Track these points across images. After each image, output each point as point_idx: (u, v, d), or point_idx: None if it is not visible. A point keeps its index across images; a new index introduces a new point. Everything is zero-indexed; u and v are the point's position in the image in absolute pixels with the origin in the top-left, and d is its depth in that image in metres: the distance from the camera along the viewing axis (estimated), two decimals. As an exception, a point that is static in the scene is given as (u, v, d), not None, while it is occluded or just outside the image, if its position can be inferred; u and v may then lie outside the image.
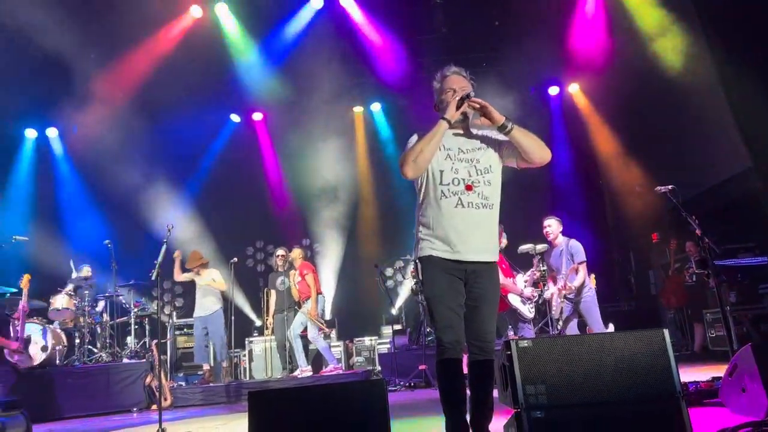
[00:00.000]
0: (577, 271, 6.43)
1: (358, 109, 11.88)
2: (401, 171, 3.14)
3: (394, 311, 10.53)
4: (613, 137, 10.90)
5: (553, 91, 11.53)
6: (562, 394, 2.90)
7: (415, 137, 3.24)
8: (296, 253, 8.65)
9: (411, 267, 8.95)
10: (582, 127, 11.24)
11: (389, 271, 11.71)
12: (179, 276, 8.66)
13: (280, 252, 8.80)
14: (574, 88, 11.41)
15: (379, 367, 8.81)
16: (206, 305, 8.48)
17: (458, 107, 3.18)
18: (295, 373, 8.23)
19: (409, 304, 10.41)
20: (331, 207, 11.42)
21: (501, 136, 3.24)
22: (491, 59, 10.41)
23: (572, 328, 6.50)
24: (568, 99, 11.49)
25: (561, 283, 6.46)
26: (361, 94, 11.38)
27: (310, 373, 8.18)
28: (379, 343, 9.52)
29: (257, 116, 11.86)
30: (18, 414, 5.04)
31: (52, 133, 11.30)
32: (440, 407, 3.13)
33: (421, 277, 3.20)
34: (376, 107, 11.90)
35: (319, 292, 8.41)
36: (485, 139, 3.30)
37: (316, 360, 8.85)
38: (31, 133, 11.22)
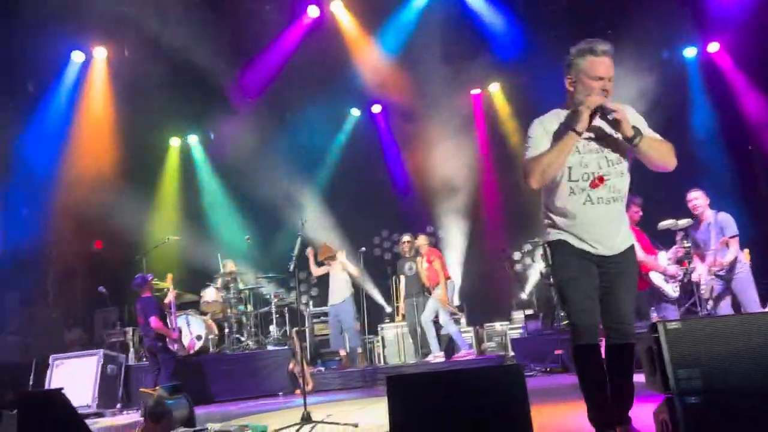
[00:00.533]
0: (727, 245, 5.90)
1: (476, 91, 11.70)
2: (526, 180, 3.02)
3: (524, 296, 10.31)
4: (764, 98, 9.82)
5: (690, 52, 10.60)
6: (717, 378, 2.68)
7: (537, 128, 3.06)
8: (422, 240, 8.74)
9: (540, 251, 8.71)
10: (725, 90, 10.24)
11: (517, 255, 11.47)
12: (315, 271, 9.03)
13: (406, 238, 8.94)
14: (714, 48, 10.41)
15: (512, 353, 8.68)
16: (338, 294, 8.80)
17: (591, 119, 2.93)
18: (428, 359, 8.33)
19: (540, 288, 10.14)
20: (454, 192, 11.38)
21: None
22: (617, 25, 9.77)
23: (725, 308, 5.99)
24: (707, 60, 10.51)
25: (710, 258, 5.96)
26: (479, 75, 11.16)
27: (443, 359, 8.24)
28: (511, 328, 9.37)
29: (376, 108, 12.08)
30: (182, 397, 5.54)
31: (192, 140, 12.27)
32: (580, 393, 3.02)
33: (551, 261, 3.10)
34: (494, 87, 11.64)
35: (447, 278, 8.44)
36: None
37: (448, 346, 8.89)
38: (175, 142, 12.27)
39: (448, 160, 11.15)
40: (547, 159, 2.95)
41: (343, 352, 8.83)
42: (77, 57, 10.49)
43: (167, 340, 7.79)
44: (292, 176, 11.04)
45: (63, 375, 7.92)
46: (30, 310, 10.73)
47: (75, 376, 7.77)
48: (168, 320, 8.12)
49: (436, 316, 8.36)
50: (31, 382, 8.05)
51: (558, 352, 7.60)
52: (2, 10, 9.19)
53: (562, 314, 8.26)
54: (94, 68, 10.65)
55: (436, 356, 8.26)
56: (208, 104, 10.40)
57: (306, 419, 4.75)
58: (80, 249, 12.20)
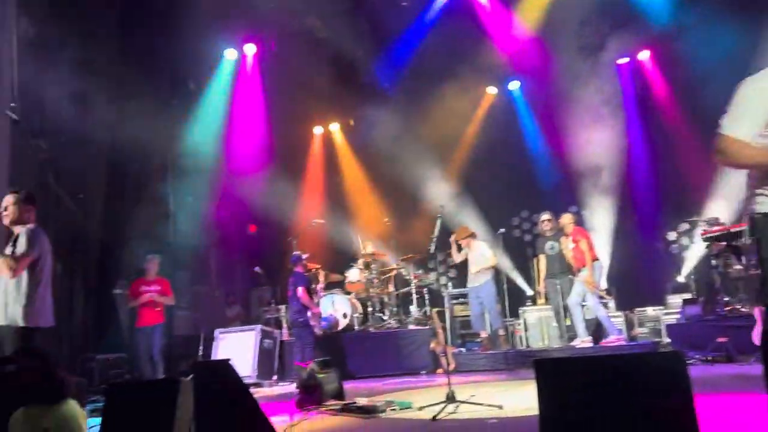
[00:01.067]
0: None
1: (623, 61, 10.92)
2: (717, 156, 2.58)
3: (681, 279, 9.55)
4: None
5: None
6: None
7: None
8: (567, 219, 8.38)
9: (700, 229, 7.99)
10: None
11: (672, 235, 10.63)
12: (457, 257, 9.00)
13: (546, 217, 8.64)
14: None
15: (666, 339, 8.10)
16: (477, 276, 8.73)
17: None
18: (574, 343, 8.03)
19: (700, 271, 9.32)
20: (598, 170, 10.77)
21: None
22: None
23: None
24: None
25: None
26: (627, 43, 10.40)
27: (591, 344, 7.90)
28: (665, 314, 8.74)
29: (514, 85, 11.75)
30: (332, 372, 5.86)
31: (334, 128, 12.77)
32: (747, 383, 2.74)
33: (757, 236, 2.71)
34: (644, 56, 10.78)
35: (594, 259, 8.04)
36: None
37: (595, 330, 8.49)
38: (318, 130, 12.86)
39: (592, 135, 10.57)
40: (757, 156, 2.49)
41: (484, 334, 8.79)
42: (230, 54, 11.32)
43: (309, 315, 8.23)
44: (430, 159, 11.10)
45: (226, 347, 8.68)
46: (196, 288, 11.87)
47: (236, 349, 8.48)
48: (315, 297, 8.60)
49: (584, 299, 8.01)
50: (200, 353, 8.93)
51: (721, 339, 6.96)
52: (165, 18, 10.14)
53: (726, 299, 7.56)
54: (245, 64, 11.44)
55: (583, 341, 7.93)
56: (348, 93, 10.76)
57: (450, 398, 4.80)
58: (238, 233, 13.27)
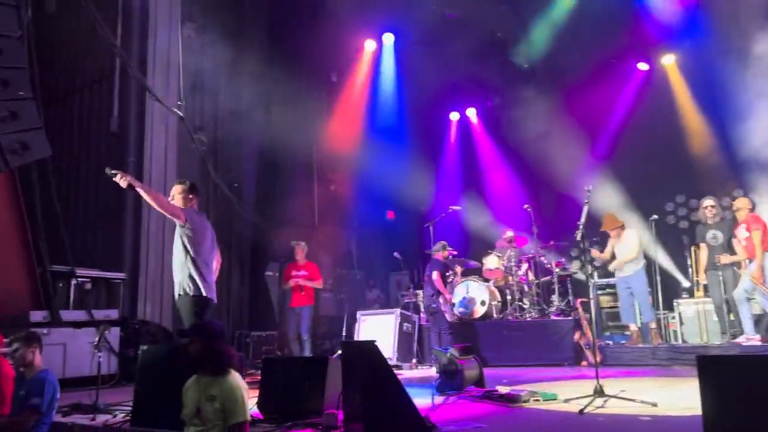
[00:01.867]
0: None
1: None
2: None
3: None
4: None
5: None
6: None
7: None
8: (743, 203, 7.57)
9: None
10: None
11: None
12: (604, 254, 8.48)
13: (709, 203, 7.89)
14: None
15: None
16: (627, 265, 8.23)
17: None
18: (739, 340, 7.31)
19: None
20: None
21: None
22: None
23: None
24: None
25: None
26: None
27: (759, 342, 7.14)
28: None
29: (667, 60, 10.85)
30: (472, 358, 5.86)
31: (471, 113, 12.66)
32: None
33: None
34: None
35: (767, 250, 7.22)
36: None
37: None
38: (454, 116, 12.82)
39: (764, 108, 9.44)
40: None
41: (633, 327, 8.28)
42: (370, 46, 11.62)
43: (441, 301, 8.25)
44: (574, 140, 10.60)
45: (367, 329, 8.99)
46: (340, 271, 12.41)
47: (377, 331, 8.74)
48: (447, 286, 8.63)
49: (751, 294, 7.25)
50: (343, 333, 9.34)
51: None
52: (310, 14, 10.63)
53: None
54: (383, 54, 11.69)
55: (750, 338, 7.19)
56: (486, 76, 10.58)
57: (599, 392, 4.60)
58: (377, 219, 13.65)
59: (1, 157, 4.66)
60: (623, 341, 8.58)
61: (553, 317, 8.68)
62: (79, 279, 7.37)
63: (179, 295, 4.90)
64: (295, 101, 10.74)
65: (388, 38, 11.59)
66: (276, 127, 10.28)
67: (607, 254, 8.44)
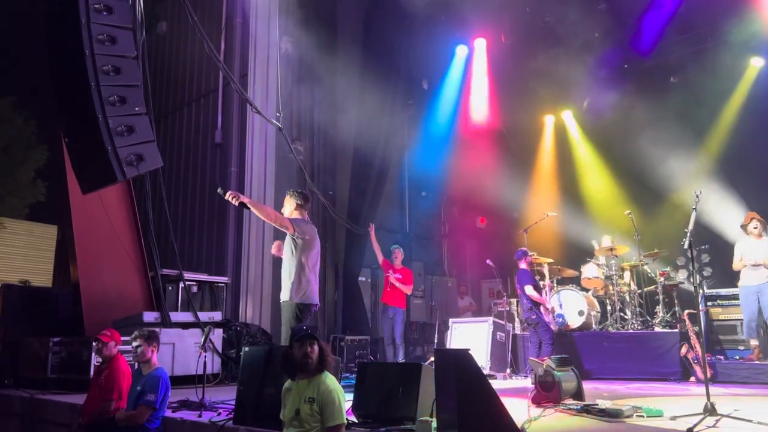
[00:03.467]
0: None
1: None
2: None
3: None
4: None
5: None
6: None
7: None
8: None
9: None
10: None
11: None
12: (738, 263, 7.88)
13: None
14: None
15: None
16: (756, 273, 7.54)
17: None
18: None
19: None
20: None
21: None
22: None
23: None
24: None
25: None
26: None
27: None
28: None
29: (786, 53, 10.00)
30: (570, 370, 5.65)
31: (566, 115, 12.27)
32: None
33: None
34: None
35: None
36: None
37: None
38: (549, 119, 12.47)
39: None
40: None
41: (754, 342, 7.64)
42: (461, 51, 11.57)
43: (542, 310, 8.02)
44: (680, 141, 9.99)
45: (460, 336, 8.91)
46: (431, 278, 12.41)
47: (469, 339, 8.65)
48: (543, 292, 8.38)
49: None
50: (435, 340, 9.31)
51: None
52: (401, 22, 10.74)
53: None
54: (475, 58, 11.60)
55: None
56: (583, 76, 10.22)
57: (710, 410, 4.29)
58: (468, 225, 13.54)
59: (119, 167, 5.02)
60: (738, 356, 7.96)
61: (657, 329, 8.22)
62: (187, 282, 7.80)
63: (284, 300, 5.12)
64: (388, 110, 10.88)
65: (480, 43, 11.49)
66: (369, 135, 10.45)
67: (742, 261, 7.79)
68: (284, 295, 5.14)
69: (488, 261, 9.59)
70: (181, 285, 7.69)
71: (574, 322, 8.80)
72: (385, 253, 9.25)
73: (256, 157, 9.28)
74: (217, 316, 7.65)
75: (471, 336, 8.76)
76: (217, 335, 7.26)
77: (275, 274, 8.18)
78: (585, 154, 11.96)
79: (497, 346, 8.68)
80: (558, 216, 10.18)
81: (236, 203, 4.92)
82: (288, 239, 5.21)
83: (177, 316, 7.19)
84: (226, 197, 4.94)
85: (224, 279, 8.54)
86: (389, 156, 11.20)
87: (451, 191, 13.09)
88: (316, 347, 3.56)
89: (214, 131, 9.85)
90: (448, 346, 8.84)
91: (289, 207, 5.36)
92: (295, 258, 5.13)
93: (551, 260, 9.25)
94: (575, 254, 10.23)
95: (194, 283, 8.04)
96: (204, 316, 7.37)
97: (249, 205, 4.95)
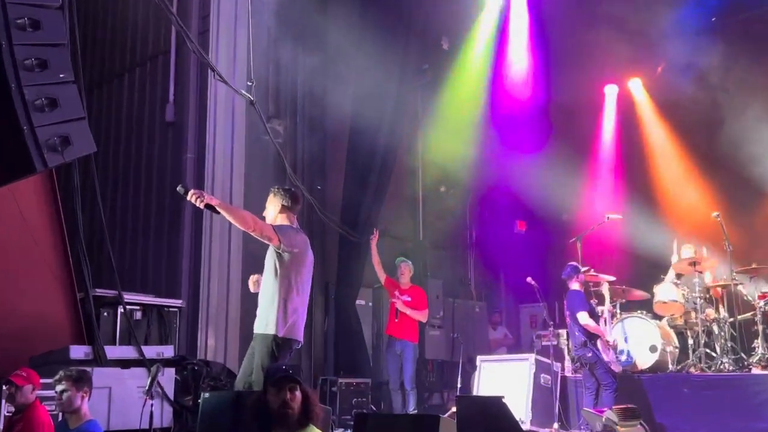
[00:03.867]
0: None
1: None
2: None
3: None
4: None
5: None
6: None
7: None
8: None
9: None
10: None
11: None
12: None
13: None
14: None
15: None
16: None
17: None
18: None
19: None
20: None
21: None
22: None
23: None
24: None
25: None
26: None
27: None
28: None
29: None
30: (638, 424, 5.64)
31: (634, 86, 12.24)
32: None
33: None
34: None
35: None
36: None
37: None
38: (611, 90, 12.47)
39: None
40: None
41: None
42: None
43: (600, 346, 7.98)
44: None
45: (491, 379, 8.89)
46: (452, 302, 12.39)
47: (504, 383, 8.61)
48: (600, 322, 8.36)
49: None
50: (458, 384, 9.29)
51: None
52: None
53: None
54: (513, 9, 11.60)
55: None
56: (657, 32, 10.20)
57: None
58: (503, 232, 13.51)
59: (39, 154, 4.97)
60: None
61: (755, 371, 8.18)
62: (128, 307, 7.79)
63: (259, 332, 5.12)
64: (395, 78, 10.86)
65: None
66: (370, 111, 10.44)
67: None
68: (259, 326, 5.15)
69: (529, 279, 9.54)
70: (120, 310, 7.68)
71: (644, 360, 8.78)
72: (389, 268, 9.24)
73: (220, 140, 9.27)
74: (168, 351, 7.63)
75: (506, 379, 8.74)
76: (168, 377, 7.24)
77: (245, 294, 8.16)
78: (659, 136, 11.93)
79: (541, 392, 8.65)
80: (623, 220, 10.14)
81: (201, 205, 4.90)
82: (270, 253, 5.24)
83: (114, 352, 7.17)
84: (188, 197, 4.91)
85: (178, 302, 8.54)
86: (397, 139, 11.19)
87: (480, 186, 13.07)
88: (298, 393, 3.56)
89: (164, 106, 9.85)
90: (475, 393, 8.82)
91: (273, 210, 5.38)
92: (279, 278, 5.15)
93: (613, 278, 9.23)
94: (645, 270, 10.21)
95: (138, 307, 8.03)
96: (151, 351, 7.35)
97: (218, 209, 4.93)
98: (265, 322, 5.12)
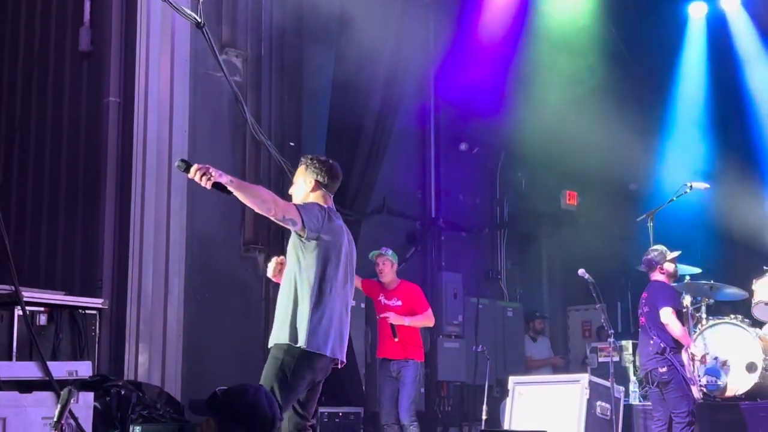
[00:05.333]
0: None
1: None
2: None
3: None
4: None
5: None
6: None
7: None
8: None
9: None
10: None
11: None
12: None
13: None
14: None
15: None
16: None
17: None
18: None
19: None
20: None
21: None
22: None
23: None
24: None
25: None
26: None
27: None
28: None
29: None
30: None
31: (729, 3, 12.19)
32: None
33: None
34: None
35: None
36: None
37: None
38: (695, 10, 12.42)
39: None
40: None
41: None
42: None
43: (681, 360, 7.99)
44: None
45: (529, 407, 8.93)
46: (476, 302, 12.38)
47: (548, 412, 8.66)
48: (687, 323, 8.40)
49: None
50: (483, 416, 9.31)
51: None
52: None
53: None
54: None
55: None
56: None
57: None
58: (546, 206, 13.49)
59: None
60: None
61: None
62: (28, 309, 7.76)
63: (279, 342, 5.16)
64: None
65: None
66: (362, 39, 10.37)
67: None
68: (280, 335, 5.16)
69: (582, 272, 9.55)
70: (18, 312, 7.67)
71: (739, 383, 8.83)
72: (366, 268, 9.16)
73: (155, 77, 9.21)
74: (85, 368, 7.63)
75: (550, 406, 8.80)
76: (85, 404, 7.25)
77: (191, 292, 8.15)
78: (763, 75, 11.88)
79: (597, 425, 8.70)
80: (711, 190, 10.15)
81: (208, 185, 4.87)
82: (293, 242, 5.26)
83: (10, 370, 7.18)
84: (189, 175, 4.89)
85: (97, 302, 8.51)
86: (400, 79, 11.12)
87: (515, 144, 13.01)
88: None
89: (76, 30, 9.76)
90: (506, 426, 8.85)
91: (304, 186, 5.45)
92: (305, 273, 5.18)
93: (696, 270, 9.24)
94: (742, 260, 10.24)
95: (42, 308, 8.01)
96: (60, 368, 7.35)
97: (230, 188, 4.90)
98: (287, 332, 5.13)
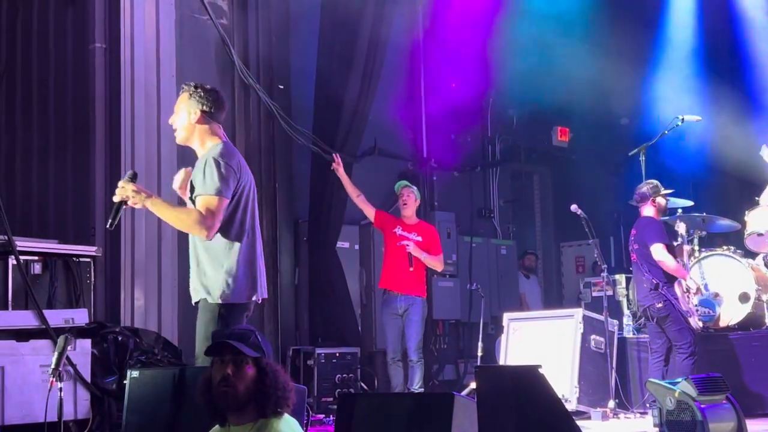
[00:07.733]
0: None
1: None
2: None
3: None
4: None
5: None
6: None
7: None
8: None
9: None
10: None
11: None
12: None
13: None
14: None
15: None
16: None
17: None
18: None
19: None
20: None
21: None
22: None
23: None
24: None
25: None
26: None
27: None
28: None
29: None
30: (723, 401, 5.72)
31: None
32: None
33: None
34: None
35: None
36: None
37: None
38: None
39: None
40: None
41: None
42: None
43: (675, 294, 8.02)
44: None
45: (523, 344, 9.00)
46: (469, 241, 12.43)
47: (542, 349, 8.73)
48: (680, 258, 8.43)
49: None
50: (479, 352, 9.38)
51: None
52: None
53: None
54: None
55: None
56: None
57: None
58: (536, 141, 13.48)
59: None
60: None
61: None
62: (22, 257, 7.77)
63: (199, 299, 4.98)
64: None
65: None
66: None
67: None
68: (198, 292, 4.98)
69: (574, 207, 9.58)
70: (12, 261, 7.68)
71: (732, 313, 8.93)
72: (381, 197, 9.16)
73: (140, 22, 9.12)
74: (81, 316, 7.64)
75: (544, 343, 8.88)
76: (83, 351, 7.28)
77: (184, 236, 8.14)
78: (756, 3, 11.79)
79: (591, 359, 8.78)
80: (702, 122, 10.12)
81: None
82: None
83: (7, 318, 7.20)
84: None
85: (91, 249, 8.51)
86: (389, 12, 11.00)
87: (503, 76, 12.92)
88: (250, 368, 3.51)
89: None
90: (501, 362, 8.92)
91: (186, 116, 5.07)
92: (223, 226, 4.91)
93: (689, 203, 9.25)
94: (734, 192, 10.25)
95: (36, 257, 8.02)
96: (57, 316, 7.36)
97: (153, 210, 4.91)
98: (202, 288, 4.94)
